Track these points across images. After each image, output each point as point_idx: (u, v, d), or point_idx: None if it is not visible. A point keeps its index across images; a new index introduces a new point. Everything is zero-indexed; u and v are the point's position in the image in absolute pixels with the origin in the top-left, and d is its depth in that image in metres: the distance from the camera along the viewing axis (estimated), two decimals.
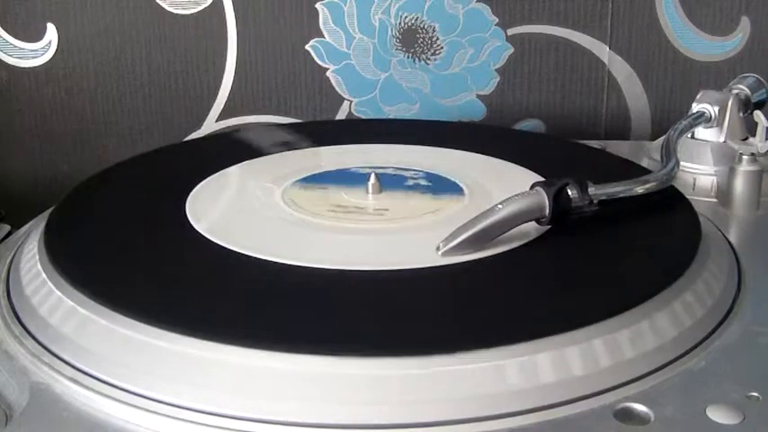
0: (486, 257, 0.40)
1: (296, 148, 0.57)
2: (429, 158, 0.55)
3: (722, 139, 0.56)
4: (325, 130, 0.65)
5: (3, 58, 0.70)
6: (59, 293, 0.38)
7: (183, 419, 0.31)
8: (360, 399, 0.31)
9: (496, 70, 0.72)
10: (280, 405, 0.31)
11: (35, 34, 0.70)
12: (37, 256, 0.42)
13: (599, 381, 0.33)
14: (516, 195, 0.42)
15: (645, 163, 0.57)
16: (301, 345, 0.32)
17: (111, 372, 0.33)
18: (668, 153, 0.50)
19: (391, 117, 0.73)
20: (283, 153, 0.57)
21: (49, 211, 0.47)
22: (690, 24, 0.71)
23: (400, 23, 0.71)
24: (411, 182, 0.50)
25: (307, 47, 0.71)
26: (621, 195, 0.44)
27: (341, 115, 0.73)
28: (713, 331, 0.37)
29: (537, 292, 0.38)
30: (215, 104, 0.72)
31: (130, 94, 0.72)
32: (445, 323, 0.35)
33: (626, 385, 0.33)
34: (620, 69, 0.72)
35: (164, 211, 0.46)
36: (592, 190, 0.43)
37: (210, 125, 0.72)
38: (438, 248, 0.40)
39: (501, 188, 0.46)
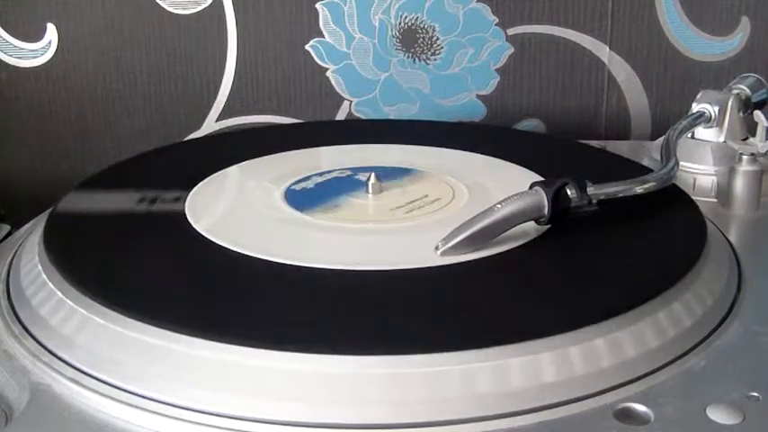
0: (485, 257, 0.40)
1: (296, 148, 0.57)
2: (429, 158, 0.55)
3: (722, 139, 0.56)
4: (326, 130, 0.65)
5: (3, 58, 0.70)
6: (59, 293, 0.38)
7: (183, 419, 0.31)
8: (359, 398, 0.31)
9: (496, 70, 0.72)
10: (279, 405, 0.31)
11: (35, 34, 0.70)
12: (37, 256, 0.42)
13: (599, 381, 0.33)
14: (515, 195, 0.42)
15: (645, 163, 0.57)
16: (300, 344, 0.32)
17: (111, 372, 0.33)
18: (668, 153, 0.50)
19: (391, 117, 0.73)
20: (283, 153, 0.57)
21: (49, 210, 0.47)
22: (690, 24, 0.71)
23: (400, 23, 0.71)
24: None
25: (307, 47, 0.71)
26: (620, 195, 0.44)
27: (341, 115, 0.73)
28: (713, 331, 0.37)
29: (536, 291, 0.38)
30: (215, 104, 0.72)
31: (130, 95, 0.72)
32: (444, 323, 0.35)
33: (626, 385, 0.33)
34: (620, 69, 0.72)
35: (163, 210, 0.46)
36: (591, 189, 0.43)
37: (210, 125, 0.72)
38: (437, 248, 0.40)
39: (501, 188, 0.46)
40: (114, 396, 0.33)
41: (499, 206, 0.41)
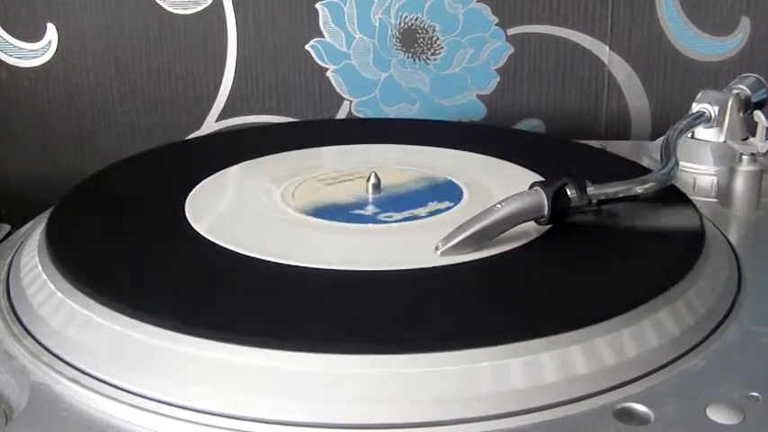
0: (485, 257, 0.40)
1: (296, 148, 0.57)
2: (429, 158, 0.55)
3: (722, 139, 0.56)
4: (326, 130, 0.65)
5: (3, 58, 0.70)
6: (59, 293, 0.38)
7: (183, 419, 0.31)
8: (359, 398, 0.31)
9: (496, 70, 0.72)
10: (279, 404, 0.31)
11: (35, 34, 0.70)
12: (37, 256, 0.42)
13: (599, 380, 0.33)
14: (515, 195, 0.42)
15: (645, 163, 0.57)
16: (300, 344, 0.32)
17: (111, 372, 0.33)
18: (668, 153, 0.50)
19: (391, 117, 0.73)
20: (283, 153, 0.57)
21: (49, 210, 0.47)
22: (690, 24, 0.71)
23: (400, 23, 0.71)
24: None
25: (307, 47, 0.71)
26: (620, 195, 0.44)
27: (341, 115, 0.73)
28: (713, 331, 0.37)
29: (536, 291, 0.38)
30: (215, 104, 0.72)
31: (130, 94, 0.72)
32: (444, 323, 0.35)
33: (626, 385, 0.33)
34: (620, 69, 0.72)
35: (163, 210, 0.46)
36: (590, 189, 0.43)
37: (210, 125, 0.72)
38: (437, 248, 0.40)
39: (501, 188, 0.46)
40: (114, 396, 0.33)
41: (499, 206, 0.41)
